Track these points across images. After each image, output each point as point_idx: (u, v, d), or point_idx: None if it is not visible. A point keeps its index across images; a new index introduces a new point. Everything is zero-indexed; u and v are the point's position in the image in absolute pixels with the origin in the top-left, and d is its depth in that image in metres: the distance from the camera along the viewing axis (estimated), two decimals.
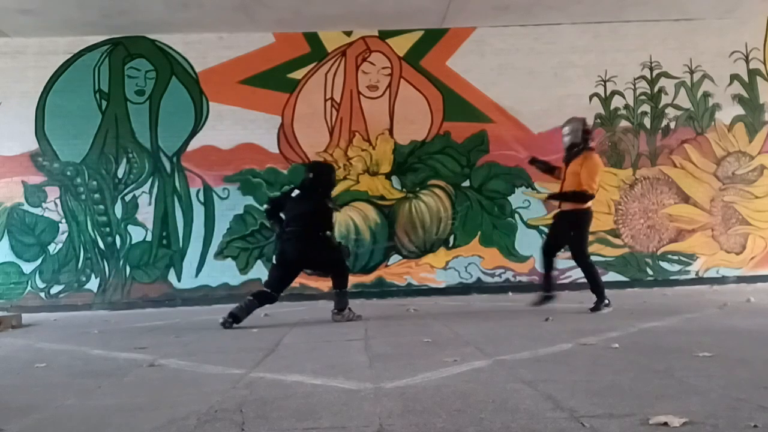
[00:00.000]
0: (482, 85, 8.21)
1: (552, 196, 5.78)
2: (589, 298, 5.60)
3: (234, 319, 5.12)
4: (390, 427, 2.01)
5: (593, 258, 8.01)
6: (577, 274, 8.01)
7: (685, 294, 7.07)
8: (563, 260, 8.05)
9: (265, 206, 5.79)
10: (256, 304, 5.24)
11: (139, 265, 7.95)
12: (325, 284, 7.99)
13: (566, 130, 5.54)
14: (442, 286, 8.02)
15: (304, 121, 8.16)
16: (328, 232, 5.47)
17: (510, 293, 7.83)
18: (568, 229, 5.51)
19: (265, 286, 5.44)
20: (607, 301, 5.37)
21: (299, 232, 5.30)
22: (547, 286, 5.74)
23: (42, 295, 7.87)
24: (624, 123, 8.28)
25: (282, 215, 5.50)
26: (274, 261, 5.88)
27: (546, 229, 8.12)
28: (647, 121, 8.31)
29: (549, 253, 5.75)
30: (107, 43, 8.14)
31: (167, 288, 7.93)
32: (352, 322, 5.37)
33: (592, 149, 5.50)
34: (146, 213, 7.99)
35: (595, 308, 5.32)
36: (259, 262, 7.97)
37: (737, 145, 8.31)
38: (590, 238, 7.93)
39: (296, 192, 5.49)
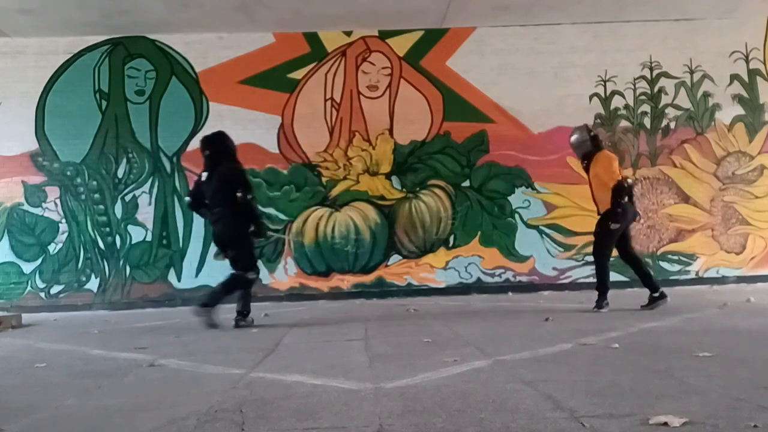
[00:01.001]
0: (482, 85, 8.22)
1: (615, 214, 5.38)
2: (589, 298, 5.60)
3: (241, 315, 5.19)
4: (390, 427, 2.01)
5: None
6: (578, 274, 8.07)
7: (685, 294, 7.06)
8: (562, 260, 8.12)
9: (187, 200, 5.67)
10: (245, 289, 5.28)
11: (139, 265, 7.95)
12: (324, 284, 8.01)
13: (574, 143, 5.59)
14: (442, 286, 8.02)
15: (304, 121, 8.16)
16: (249, 196, 5.21)
17: (510, 293, 7.83)
18: (597, 226, 5.51)
19: (233, 268, 5.41)
20: (607, 302, 5.38)
21: (222, 212, 5.23)
22: (650, 286, 5.48)
23: (42, 295, 7.87)
24: (624, 123, 8.28)
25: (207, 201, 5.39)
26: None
27: (546, 230, 8.14)
28: (647, 121, 8.31)
29: (625, 259, 5.57)
30: (107, 43, 8.14)
31: (167, 288, 7.93)
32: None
33: (601, 149, 5.54)
34: (146, 213, 7.99)
35: (598, 306, 5.34)
36: (258, 262, 7.94)
37: (737, 145, 8.31)
38: (590, 238, 7.97)
39: (204, 174, 5.38)
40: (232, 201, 5.18)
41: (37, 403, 2.59)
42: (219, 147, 5.38)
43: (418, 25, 8.18)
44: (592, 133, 5.56)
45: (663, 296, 5.41)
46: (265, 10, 7.51)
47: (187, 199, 5.61)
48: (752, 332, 3.94)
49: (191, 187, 7.95)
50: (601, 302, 5.37)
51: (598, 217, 5.53)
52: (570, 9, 7.85)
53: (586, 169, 5.60)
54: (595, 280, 5.63)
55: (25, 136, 7.97)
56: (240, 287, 5.26)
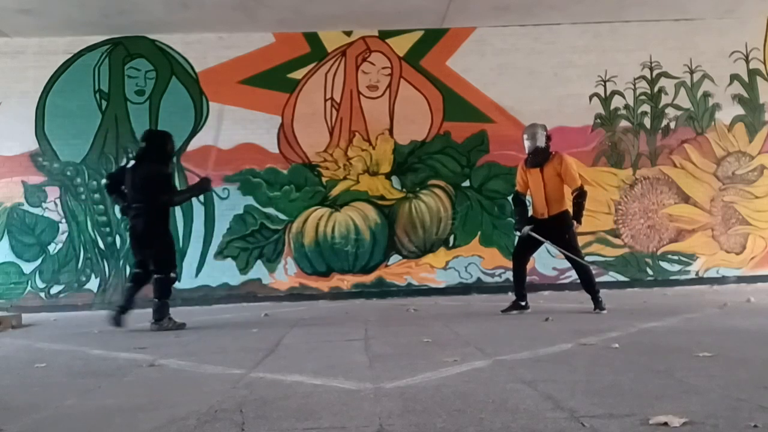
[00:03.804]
0: (482, 85, 8.21)
1: (577, 217, 5.38)
2: (588, 298, 5.59)
3: (121, 310, 5.31)
4: (390, 427, 2.01)
5: (593, 258, 8.09)
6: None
7: (685, 294, 7.07)
8: (562, 260, 8.09)
9: (104, 182, 5.72)
10: (135, 288, 5.39)
11: None
12: (325, 284, 8.01)
13: (528, 135, 5.52)
14: (442, 286, 8.02)
15: (304, 121, 8.16)
16: (175, 198, 5.41)
17: (510, 293, 7.79)
18: (563, 232, 5.42)
19: (135, 267, 5.50)
20: (601, 299, 5.39)
21: (140, 209, 5.24)
22: (524, 293, 5.57)
23: (42, 295, 7.86)
24: (624, 123, 8.28)
25: (124, 189, 5.39)
26: (128, 238, 5.86)
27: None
28: (647, 121, 8.31)
29: (521, 263, 5.61)
30: (107, 43, 8.14)
31: None
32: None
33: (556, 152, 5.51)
34: None
35: (599, 308, 5.33)
36: (259, 262, 7.97)
37: (737, 145, 8.31)
38: (591, 238, 8.06)
39: (131, 163, 5.43)
40: (149, 198, 5.21)
41: (37, 403, 2.59)
42: (157, 143, 5.41)
43: (418, 25, 8.18)
44: (548, 132, 5.54)
45: (527, 306, 5.53)
46: (265, 10, 7.51)
47: (105, 181, 5.60)
48: (752, 332, 3.94)
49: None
50: (599, 303, 5.35)
51: (545, 218, 5.40)
52: (570, 9, 7.84)
53: (534, 167, 5.47)
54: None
55: (25, 136, 7.97)
56: (169, 290, 5.33)
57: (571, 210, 5.40)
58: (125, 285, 5.51)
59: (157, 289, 5.29)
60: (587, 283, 5.44)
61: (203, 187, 5.67)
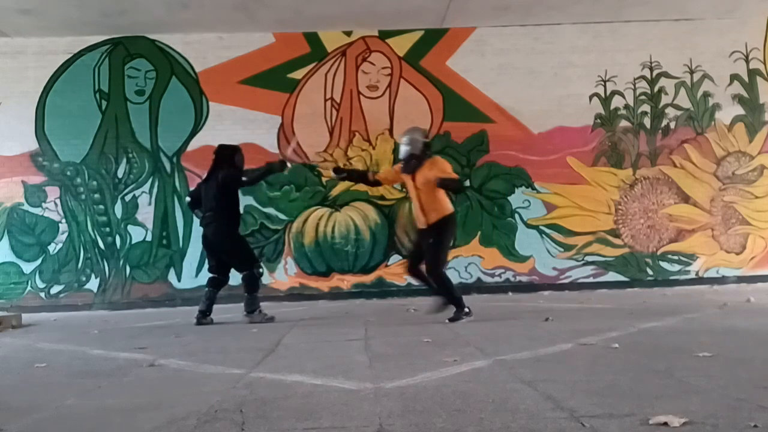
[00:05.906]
0: (482, 85, 8.21)
1: (443, 183, 4.93)
2: (587, 298, 5.59)
3: (203, 314, 5.51)
4: (390, 427, 2.01)
5: (594, 258, 8.09)
6: (577, 274, 8.06)
7: (685, 294, 7.07)
8: (562, 260, 8.12)
9: (187, 199, 6.16)
10: (214, 292, 5.61)
11: (139, 265, 7.95)
12: (325, 284, 8.02)
13: (405, 140, 5.11)
14: None
15: (304, 121, 8.16)
16: (243, 178, 5.60)
17: (510, 293, 7.82)
18: (429, 238, 5.02)
19: (209, 271, 5.78)
20: (467, 310, 4.94)
21: (211, 216, 5.54)
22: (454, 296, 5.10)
23: (42, 295, 7.86)
24: (624, 123, 8.28)
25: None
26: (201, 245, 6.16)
27: (546, 230, 8.14)
28: (647, 121, 8.31)
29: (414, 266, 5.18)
30: (107, 43, 8.14)
31: (167, 288, 7.93)
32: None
33: (434, 156, 5.17)
34: (146, 213, 7.99)
35: (455, 318, 4.90)
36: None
37: (737, 145, 8.31)
38: (591, 238, 8.05)
39: (205, 176, 5.76)
40: (225, 206, 5.52)
41: (37, 403, 2.59)
42: (226, 155, 5.67)
43: (418, 25, 8.17)
44: (426, 140, 5.18)
45: (469, 313, 4.98)
46: (265, 10, 7.51)
47: (188, 198, 6.01)
48: (752, 332, 3.94)
49: (191, 187, 8.03)
50: (460, 313, 4.91)
51: (425, 227, 5.05)
52: (570, 9, 7.84)
53: (408, 173, 5.09)
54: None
55: (25, 136, 7.97)
56: (256, 284, 5.54)
57: (450, 213, 5.05)
58: (205, 289, 5.66)
59: (245, 285, 5.52)
60: (444, 295, 4.99)
61: (272, 169, 5.70)
